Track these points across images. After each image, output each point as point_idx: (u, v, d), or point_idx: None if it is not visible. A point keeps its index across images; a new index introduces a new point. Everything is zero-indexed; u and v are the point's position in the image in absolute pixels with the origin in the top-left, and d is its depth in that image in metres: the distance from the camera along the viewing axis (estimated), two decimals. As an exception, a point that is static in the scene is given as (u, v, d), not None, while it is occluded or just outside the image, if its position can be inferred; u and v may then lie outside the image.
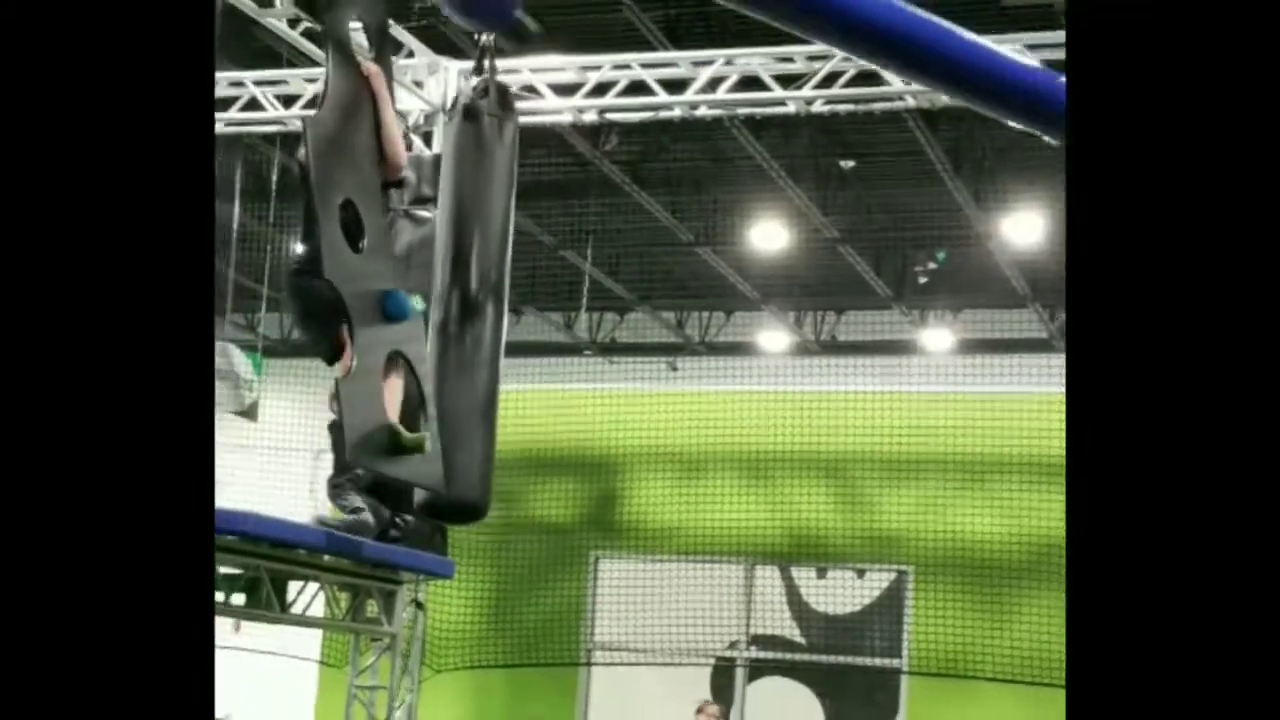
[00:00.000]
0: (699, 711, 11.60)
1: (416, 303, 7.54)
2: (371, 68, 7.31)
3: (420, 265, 8.22)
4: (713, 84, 10.48)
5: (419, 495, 8.10)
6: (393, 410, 7.41)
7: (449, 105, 8.04)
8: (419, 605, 10.25)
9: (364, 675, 9.96)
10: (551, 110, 11.00)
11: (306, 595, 9.33)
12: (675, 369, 17.60)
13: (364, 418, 6.97)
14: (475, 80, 7.64)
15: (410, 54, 10.62)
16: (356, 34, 7.73)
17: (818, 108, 10.36)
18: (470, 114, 7.70)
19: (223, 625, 16.51)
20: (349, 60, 7.26)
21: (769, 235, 15.22)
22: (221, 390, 13.46)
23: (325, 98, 7.08)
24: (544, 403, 12.95)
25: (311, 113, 7.34)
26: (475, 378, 7.75)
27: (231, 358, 13.56)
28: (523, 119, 11.10)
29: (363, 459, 7.23)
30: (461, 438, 7.79)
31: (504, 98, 7.90)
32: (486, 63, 7.62)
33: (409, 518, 9.63)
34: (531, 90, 10.97)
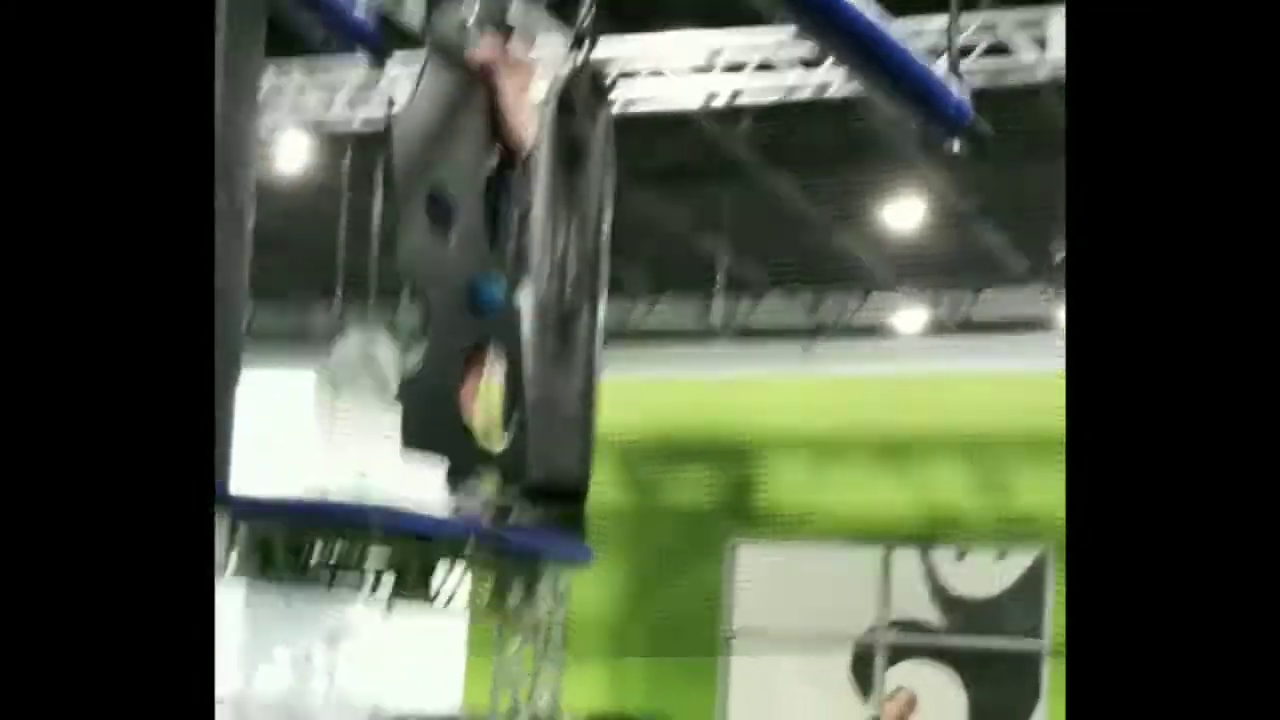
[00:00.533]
0: (890, 699, 11.52)
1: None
2: (489, 54, 7.34)
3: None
4: (844, 62, 10.35)
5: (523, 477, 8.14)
6: (473, 404, 7.47)
7: (546, 94, 8.05)
8: (560, 594, 10.29)
9: (508, 662, 10.02)
10: (683, 95, 10.95)
11: (451, 584, 9.39)
12: (811, 352, 17.49)
13: (430, 411, 6.98)
14: (569, 68, 7.65)
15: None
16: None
17: (952, 83, 10.20)
18: (563, 102, 7.71)
19: (372, 614, 16.77)
20: (451, 52, 7.29)
21: (903, 214, 15.06)
22: (369, 380, 13.59)
23: (416, 92, 7.14)
24: (679, 391, 12.93)
25: (396, 109, 7.41)
26: (572, 366, 7.74)
27: (374, 345, 13.67)
28: (651, 104, 11.13)
29: (436, 452, 7.22)
30: (558, 424, 7.80)
31: (598, 85, 7.89)
32: (581, 50, 7.62)
33: (548, 506, 9.64)
34: (661, 74, 10.94)
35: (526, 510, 9.71)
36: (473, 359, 7.56)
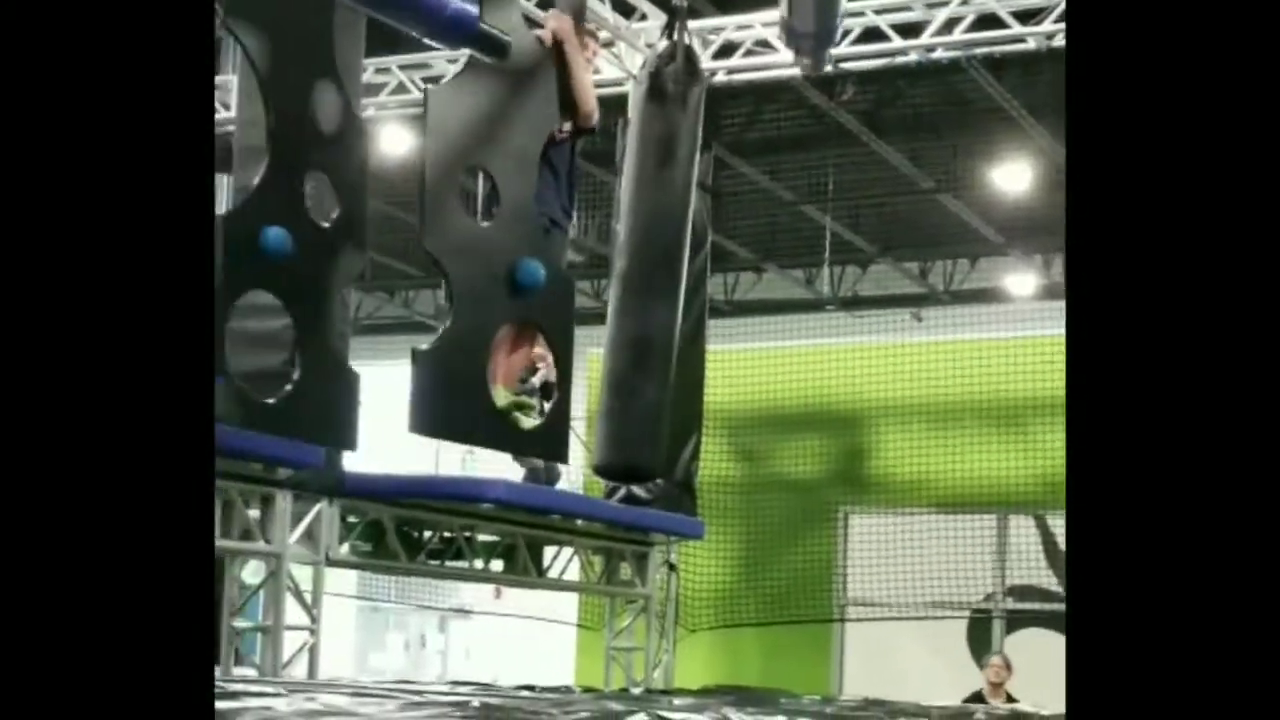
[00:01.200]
0: (989, 665, 11.46)
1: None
2: (560, 28, 7.34)
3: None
4: (949, 25, 10.23)
5: (597, 457, 8.13)
6: (504, 381, 7.47)
7: (638, 71, 8.03)
8: (671, 566, 10.29)
9: (620, 637, 10.05)
10: (784, 63, 10.86)
11: (561, 560, 9.45)
12: (920, 319, 17.34)
13: (452, 389, 6.93)
14: (664, 44, 7.61)
15: (644, 16, 10.60)
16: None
17: (1059, 42, 10.02)
18: (654, 81, 7.67)
19: (484, 591, 16.95)
20: (516, 30, 7.28)
21: (1012, 177, 14.88)
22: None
23: (462, 70, 7.15)
24: (788, 360, 12.87)
25: (435, 85, 7.39)
26: (651, 348, 7.69)
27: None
28: (757, 74, 11.07)
29: (452, 433, 7.18)
30: (633, 404, 7.77)
31: (690, 63, 7.84)
32: (676, 26, 7.58)
33: (658, 480, 9.68)
34: (765, 44, 10.87)
35: (658, 487, 9.76)
36: (513, 338, 7.59)
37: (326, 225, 6.59)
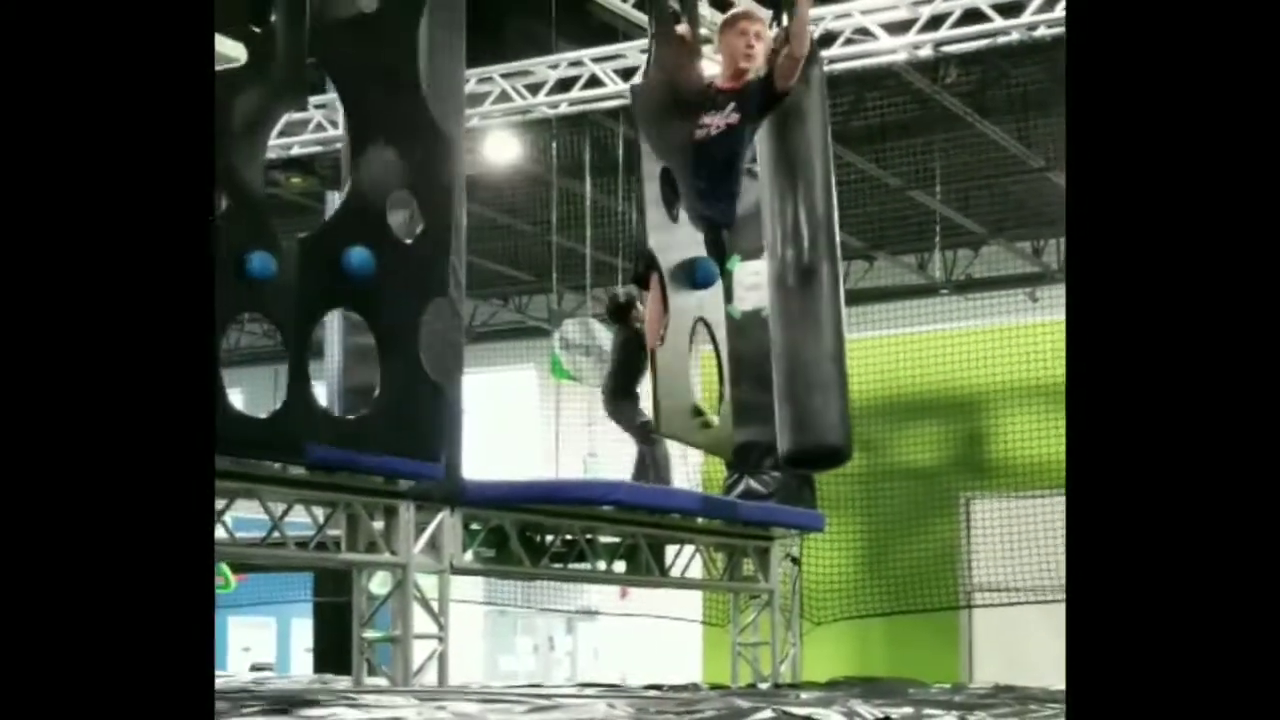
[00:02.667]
0: None
1: (732, 263, 7.57)
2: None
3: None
4: (1049, 2, 10.14)
5: (782, 446, 8.11)
6: (695, 378, 7.52)
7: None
8: (794, 560, 10.28)
9: (745, 633, 10.05)
10: (886, 50, 10.81)
11: (684, 558, 9.48)
12: (1036, 299, 17.15)
13: (674, 388, 7.04)
14: (776, 31, 7.57)
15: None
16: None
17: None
18: (772, 70, 7.64)
19: (609, 592, 17.01)
20: (669, 22, 7.32)
21: (1122, 152, 14.65)
22: (588, 365, 13.76)
23: (649, 65, 7.17)
24: (902, 347, 12.79)
25: (637, 81, 7.43)
26: (820, 326, 7.68)
27: (593, 332, 13.84)
28: (858, 61, 11.03)
29: (673, 429, 7.30)
30: (814, 385, 7.75)
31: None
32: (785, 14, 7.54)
33: (775, 473, 9.67)
34: (864, 32, 10.83)
35: (775, 480, 9.76)
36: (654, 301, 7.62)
37: (410, 242, 6.71)
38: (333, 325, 8.78)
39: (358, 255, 6.41)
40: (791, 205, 7.72)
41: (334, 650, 11.82)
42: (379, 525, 7.15)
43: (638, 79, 7.70)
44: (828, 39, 10.75)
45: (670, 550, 9.45)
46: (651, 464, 9.87)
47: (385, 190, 6.68)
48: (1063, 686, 6.83)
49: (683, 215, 7.17)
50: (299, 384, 6.35)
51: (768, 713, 4.57)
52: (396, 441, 6.76)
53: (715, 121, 7.23)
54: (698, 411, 7.36)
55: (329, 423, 6.61)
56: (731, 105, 7.19)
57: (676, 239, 7.21)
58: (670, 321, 7.18)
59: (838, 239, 7.91)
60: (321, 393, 6.53)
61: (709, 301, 7.41)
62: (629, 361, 9.84)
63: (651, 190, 7.03)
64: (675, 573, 9.45)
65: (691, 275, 7.17)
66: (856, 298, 17.82)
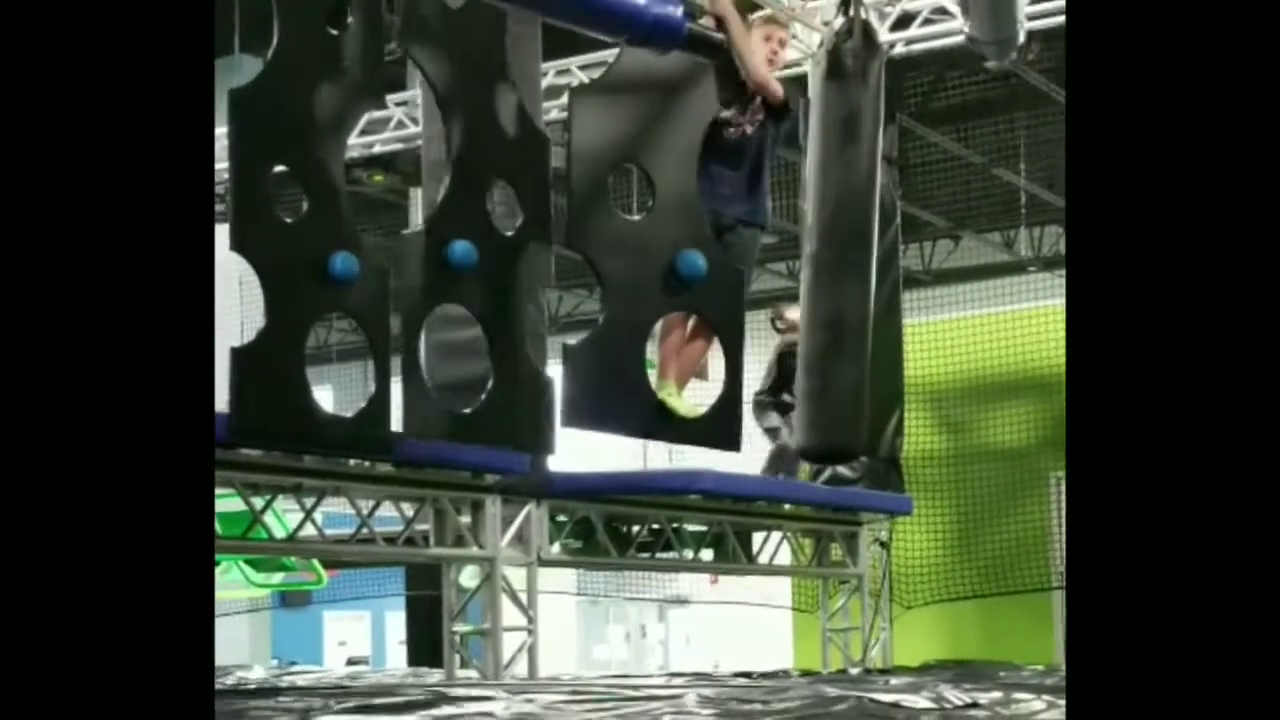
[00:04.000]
0: None
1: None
2: (721, 6, 7.28)
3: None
4: (1128, -24, 9.98)
5: (796, 440, 8.07)
6: (678, 374, 7.44)
7: (816, 49, 7.94)
8: (882, 544, 10.24)
9: (835, 618, 10.03)
10: (964, 29, 10.71)
11: (771, 545, 9.47)
12: (1125, 274, 16.98)
13: (608, 382, 6.92)
14: (840, 21, 7.53)
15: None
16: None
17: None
18: (833, 58, 7.59)
19: (700, 580, 17.03)
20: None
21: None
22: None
23: (609, 68, 7.17)
24: (990, 326, 12.70)
25: (577, 83, 7.42)
26: (844, 329, 7.60)
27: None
28: (938, 41, 10.93)
29: (607, 425, 7.17)
30: (832, 386, 7.69)
31: (868, 37, 7.74)
32: (853, 2, 7.49)
33: (863, 458, 9.64)
34: (943, 12, 10.73)
35: (864, 465, 9.74)
36: (688, 333, 7.58)
37: (510, 234, 6.72)
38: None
39: (461, 248, 6.44)
40: (828, 208, 7.64)
41: (427, 643, 11.92)
42: (466, 520, 7.20)
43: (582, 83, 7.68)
44: (905, 20, 10.67)
45: (758, 537, 9.45)
46: (783, 456, 9.84)
47: (485, 183, 6.70)
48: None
49: (660, 208, 7.13)
50: (408, 378, 6.40)
51: (854, 700, 4.57)
52: (510, 433, 6.80)
53: (746, 120, 7.35)
54: (666, 410, 7.30)
55: (442, 418, 6.64)
56: (759, 102, 7.32)
57: (637, 235, 7.15)
58: (610, 316, 7.07)
59: (873, 249, 7.81)
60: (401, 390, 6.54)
61: (704, 296, 7.29)
62: (781, 372, 9.81)
63: (587, 192, 7.01)
64: (763, 560, 9.44)
65: (673, 267, 7.07)
66: (944, 278, 17.73)
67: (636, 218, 7.21)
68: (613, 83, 7.13)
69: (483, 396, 6.61)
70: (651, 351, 7.51)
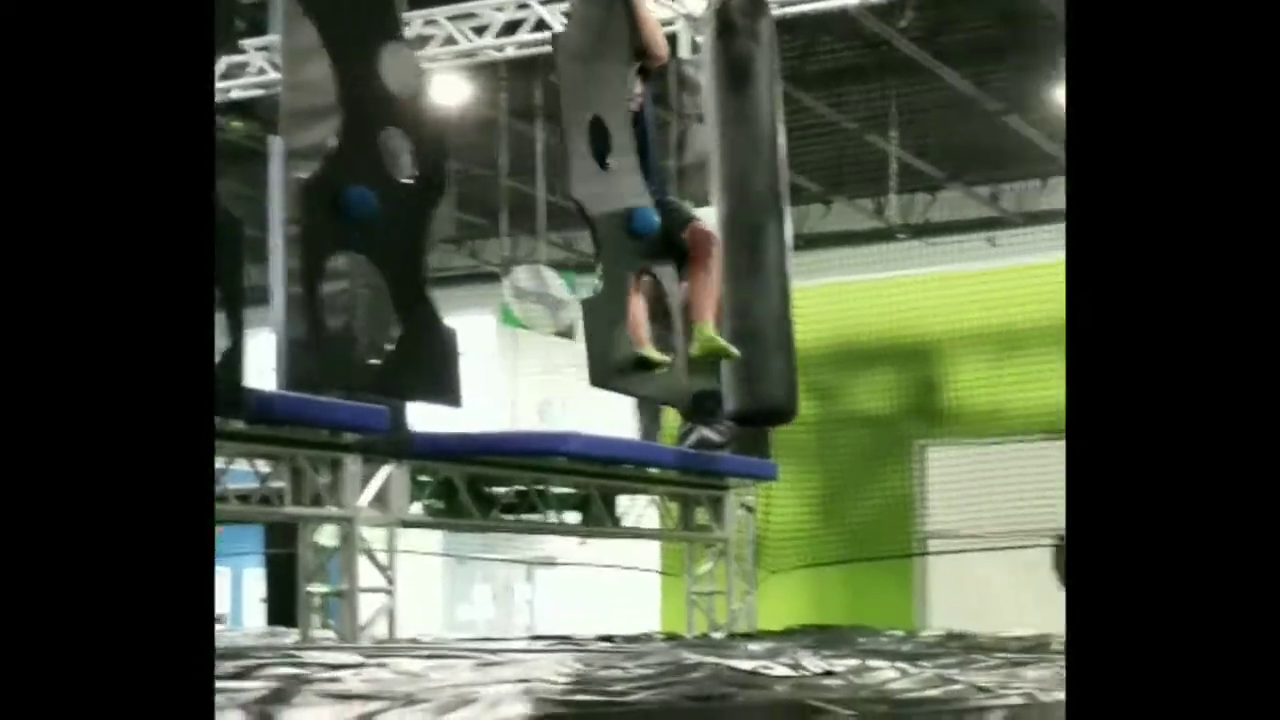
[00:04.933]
0: None
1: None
2: None
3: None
4: (1001, -53, 10.04)
5: (729, 404, 8.07)
6: (640, 328, 7.42)
7: (703, 14, 7.90)
8: (748, 509, 10.24)
9: (701, 581, 10.02)
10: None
11: (638, 508, 9.42)
12: (995, 244, 17.12)
13: (608, 337, 6.95)
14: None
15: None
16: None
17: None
18: (722, 20, 7.55)
19: (569, 540, 16.99)
20: None
21: (1078, 95, 14.59)
22: (540, 312, 13.68)
23: (574, 13, 7.07)
24: (858, 294, 12.73)
25: (560, 29, 7.34)
26: (765, 282, 7.61)
27: (545, 279, 13.75)
28: (810, 5, 10.91)
29: (608, 379, 7.23)
30: (760, 345, 7.69)
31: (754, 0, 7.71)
32: None
33: (730, 423, 9.61)
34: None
35: (730, 430, 9.71)
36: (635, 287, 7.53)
37: (409, 181, 6.57)
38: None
39: (357, 194, 6.25)
40: (738, 162, 7.63)
41: (286, 603, 11.74)
42: (324, 480, 7.06)
43: (561, 29, 7.60)
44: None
45: (624, 500, 9.39)
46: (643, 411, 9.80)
47: (377, 129, 6.52)
48: (1014, 632, 6.79)
49: (615, 165, 7.07)
50: (302, 327, 6.24)
51: (711, 668, 4.51)
52: (416, 386, 6.67)
53: (641, 94, 7.30)
54: (644, 363, 7.26)
55: (353, 369, 6.49)
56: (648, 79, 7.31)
57: (609, 189, 7.09)
58: (606, 271, 7.08)
59: (785, 196, 7.82)
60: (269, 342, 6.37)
61: (654, 251, 7.29)
62: None
63: (578, 141, 6.93)
64: (629, 523, 9.39)
65: (629, 224, 7.07)
66: (814, 242, 17.78)
67: (608, 171, 7.13)
68: (580, 24, 7.04)
69: (390, 348, 6.49)
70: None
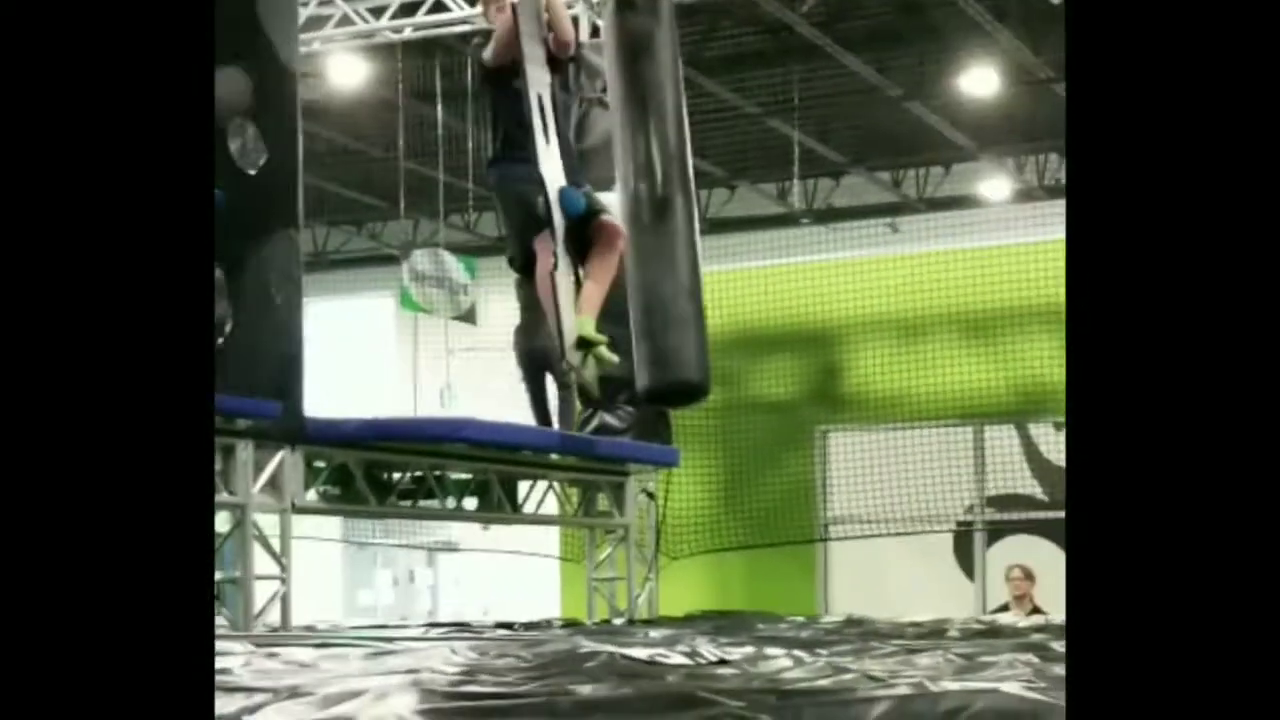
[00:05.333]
0: (1008, 579, 11.47)
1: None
2: None
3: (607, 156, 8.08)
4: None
5: (641, 382, 8.02)
6: (589, 310, 7.38)
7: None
8: (649, 495, 10.19)
9: (602, 568, 9.96)
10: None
11: (538, 494, 9.33)
12: (896, 230, 17.19)
13: (534, 329, 6.99)
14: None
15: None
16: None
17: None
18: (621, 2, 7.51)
19: (472, 526, 16.91)
20: None
21: (980, 82, 14.70)
22: (439, 296, 13.58)
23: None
24: (761, 279, 12.74)
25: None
26: (676, 261, 7.57)
27: (444, 263, 13.65)
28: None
29: (571, 359, 7.25)
30: (671, 321, 7.65)
31: None
32: None
33: (630, 409, 9.55)
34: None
35: (632, 415, 9.65)
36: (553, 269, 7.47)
37: (254, 174, 6.49)
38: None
39: None
40: (643, 139, 7.59)
41: (181, 590, 11.57)
42: (216, 466, 6.92)
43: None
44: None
45: (524, 486, 9.30)
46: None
47: (225, 117, 6.41)
48: (912, 618, 6.79)
49: (536, 148, 7.06)
50: None
51: (606, 656, 4.46)
52: (255, 379, 6.56)
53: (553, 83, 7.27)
54: (583, 342, 7.27)
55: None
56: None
57: (552, 166, 7.14)
58: (528, 255, 7.07)
59: (691, 173, 7.78)
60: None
61: (574, 235, 7.28)
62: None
63: (535, 117, 6.93)
64: (529, 509, 9.31)
65: (562, 204, 7.08)
66: (718, 226, 17.79)
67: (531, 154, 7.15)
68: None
69: (219, 340, 6.38)
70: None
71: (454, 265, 13.40)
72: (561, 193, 7.08)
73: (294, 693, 3.29)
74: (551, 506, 9.50)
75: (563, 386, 9.50)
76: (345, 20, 11.54)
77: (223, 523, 7.28)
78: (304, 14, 8.11)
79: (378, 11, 11.59)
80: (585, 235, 7.35)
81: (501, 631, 6.54)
